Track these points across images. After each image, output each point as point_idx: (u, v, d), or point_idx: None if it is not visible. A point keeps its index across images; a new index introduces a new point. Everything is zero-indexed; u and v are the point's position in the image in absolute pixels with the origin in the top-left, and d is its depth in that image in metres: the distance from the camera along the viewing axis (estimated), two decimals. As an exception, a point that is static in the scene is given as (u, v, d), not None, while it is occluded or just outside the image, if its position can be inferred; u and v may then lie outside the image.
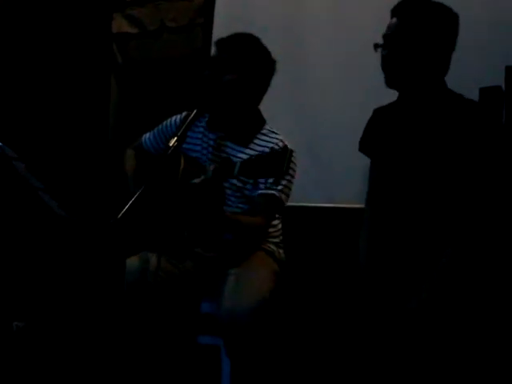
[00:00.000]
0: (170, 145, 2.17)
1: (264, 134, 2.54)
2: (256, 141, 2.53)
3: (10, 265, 2.70)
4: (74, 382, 2.59)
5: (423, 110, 2.24)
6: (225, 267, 2.50)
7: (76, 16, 4.06)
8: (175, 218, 2.42)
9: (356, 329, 2.18)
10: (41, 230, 2.66)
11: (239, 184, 2.45)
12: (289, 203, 2.57)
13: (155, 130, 2.74)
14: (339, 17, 3.21)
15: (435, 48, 2.19)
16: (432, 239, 2.16)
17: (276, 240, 2.65)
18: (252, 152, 2.48)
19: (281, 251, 2.67)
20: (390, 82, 2.25)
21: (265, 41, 2.57)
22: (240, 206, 2.51)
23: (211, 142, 2.59)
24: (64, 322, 2.69)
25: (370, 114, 2.43)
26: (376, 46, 2.24)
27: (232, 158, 2.38)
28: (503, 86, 2.53)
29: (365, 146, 2.42)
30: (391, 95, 2.32)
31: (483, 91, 2.55)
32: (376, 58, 2.26)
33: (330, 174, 3.20)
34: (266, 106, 2.61)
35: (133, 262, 2.44)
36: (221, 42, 2.55)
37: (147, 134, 2.76)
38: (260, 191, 2.45)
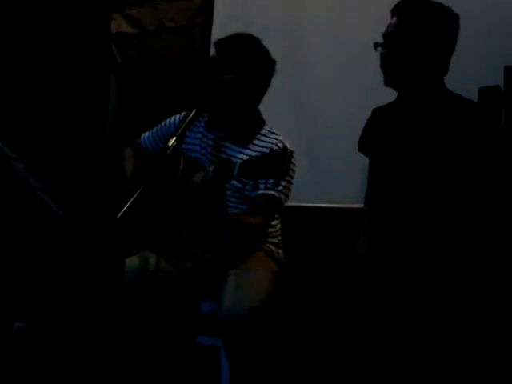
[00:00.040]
0: (169, 145, 2.18)
1: (263, 135, 2.54)
2: (255, 141, 2.52)
3: (9, 265, 2.70)
4: (73, 382, 2.59)
5: (422, 110, 2.24)
6: (224, 267, 2.49)
7: (75, 16, 4.06)
8: (175, 218, 2.42)
9: (355, 329, 2.17)
10: (40, 230, 2.66)
11: (239, 185, 2.44)
12: (288, 203, 2.57)
13: (154, 129, 2.74)
14: (339, 17, 3.21)
15: (435, 48, 2.19)
16: (431, 238, 2.16)
17: (275, 240, 2.65)
18: (251, 152, 2.48)
19: (280, 251, 2.66)
20: (388, 81, 2.25)
21: (264, 41, 2.57)
22: (239, 206, 2.51)
23: (210, 142, 2.58)
24: (64, 322, 2.68)
25: (369, 114, 2.43)
26: (376, 44, 2.24)
27: (231, 158, 2.38)
28: (502, 86, 2.53)
29: (364, 145, 2.43)
30: (391, 95, 2.32)
31: (482, 91, 2.54)
32: (376, 58, 2.26)
33: (329, 174, 3.20)
34: (265, 106, 2.60)
35: (132, 261, 2.43)
36: (220, 42, 2.55)
37: (146, 134, 2.76)
38: (259, 191, 2.45)
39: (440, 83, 2.25)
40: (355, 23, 3.13)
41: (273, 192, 2.44)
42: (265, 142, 2.51)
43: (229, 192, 2.49)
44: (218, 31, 3.42)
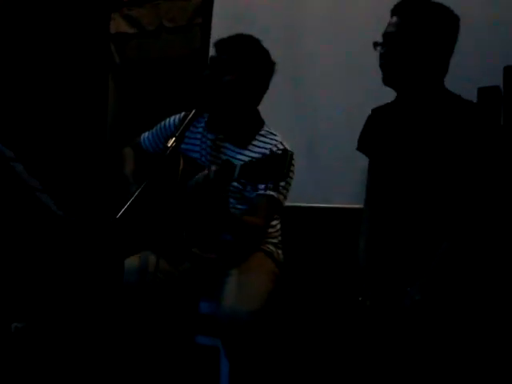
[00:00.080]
0: (169, 145, 2.17)
1: (263, 136, 2.53)
2: (255, 142, 2.52)
3: (8, 265, 2.70)
4: (73, 382, 2.59)
5: (421, 110, 2.24)
6: (224, 268, 2.49)
7: (74, 16, 4.06)
8: (174, 218, 2.42)
9: (355, 329, 2.17)
10: (39, 230, 2.66)
11: (239, 186, 2.44)
12: (288, 203, 2.57)
13: (154, 129, 2.74)
14: (339, 17, 3.21)
15: (434, 48, 2.19)
16: (431, 238, 2.16)
17: (275, 241, 2.65)
18: (251, 153, 2.48)
19: (279, 252, 2.66)
20: (387, 80, 2.25)
21: (264, 41, 2.57)
22: (239, 207, 2.51)
23: (209, 143, 2.58)
24: (63, 322, 2.68)
25: (369, 114, 2.43)
26: (375, 44, 2.24)
27: (230, 159, 2.38)
28: (502, 87, 2.53)
29: (363, 145, 2.42)
30: (391, 96, 2.32)
31: (481, 91, 2.54)
32: (376, 57, 2.26)
33: (329, 174, 3.20)
34: (265, 106, 2.60)
35: (131, 262, 2.43)
36: (220, 43, 2.55)
37: (146, 134, 2.76)
38: (259, 192, 2.45)
39: (439, 83, 2.25)
40: (355, 23, 3.12)
41: (272, 193, 2.44)
42: (264, 143, 2.51)
43: (229, 193, 2.48)
44: (218, 31, 3.41)
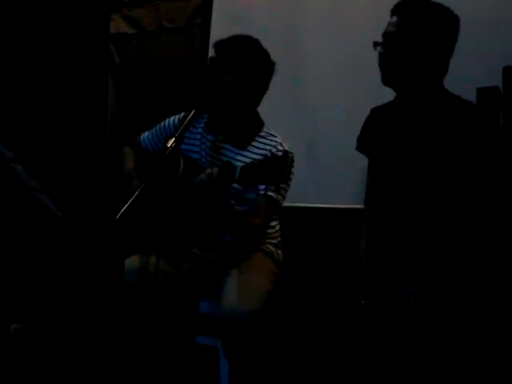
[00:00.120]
0: (168, 145, 2.17)
1: (262, 137, 2.53)
2: (254, 143, 2.52)
3: (8, 266, 2.70)
4: (73, 382, 2.59)
5: (420, 110, 2.24)
6: (224, 268, 2.49)
7: (74, 16, 4.06)
8: (174, 218, 2.42)
9: (356, 329, 2.18)
10: (39, 231, 2.66)
11: (239, 187, 2.45)
12: (288, 204, 2.57)
13: (153, 129, 2.74)
14: (339, 17, 3.21)
15: (434, 49, 2.18)
16: (430, 237, 2.16)
17: (274, 241, 2.65)
18: (250, 155, 2.48)
19: (279, 252, 2.66)
20: (386, 80, 2.25)
21: (264, 41, 2.57)
22: (239, 208, 2.51)
23: (209, 144, 2.58)
24: (63, 323, 2.68)
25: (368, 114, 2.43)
26: (375, 44, 2.24)
27: (230, 160, 2.38)
28: (501, 87, 2.53)
29: (362, 145, 2.42)
30: (391, 96, 2.32)
31: (481, 92, 2.54)
32: (376, 57, 2.26)
33: (328, 174, 3.20)
34: (265, 106, 2.60)
35: (131, 262, 2.43)
36: (220, 44, 2.55)
37: (145, 133, 2.76)
38: (259, 192, 2.45)
39: (439, 84, 2.24)
40: (355, 23, 3.12)
41: (272, 193, 2.44)
42: (264, 144, 2.51)
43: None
44: (217, 32, 3.41)
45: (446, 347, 2.07)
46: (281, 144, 2.50)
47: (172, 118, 2.69)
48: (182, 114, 2.62)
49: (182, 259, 2.54)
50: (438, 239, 2.14)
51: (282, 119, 3.08)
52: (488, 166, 2.15)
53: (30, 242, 2.69)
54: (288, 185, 2.48)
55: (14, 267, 2.70)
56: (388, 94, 2.31)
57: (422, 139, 2.21)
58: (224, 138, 2.56)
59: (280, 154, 2.37)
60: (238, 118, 2.53)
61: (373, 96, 2.41)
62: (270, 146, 2.49)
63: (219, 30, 3.39)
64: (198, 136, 2.61)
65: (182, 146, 2.37)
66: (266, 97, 2.59)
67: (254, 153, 2.49)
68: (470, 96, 2.41)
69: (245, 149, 2.51)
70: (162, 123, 2.71)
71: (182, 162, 2.41)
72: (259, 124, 2.57)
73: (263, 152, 2.47)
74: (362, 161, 2.44)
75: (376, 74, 2.26)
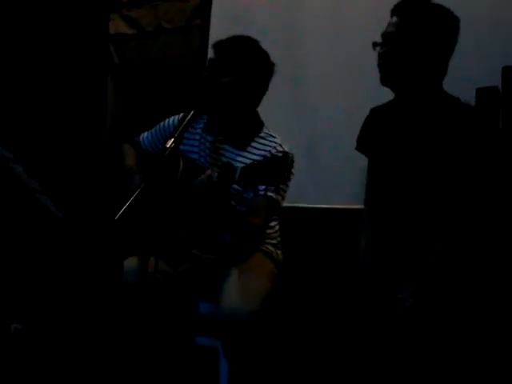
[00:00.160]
0: (167, 146, 2.17)
1: (262, 138, 2.53)
2: (254, 144, 2.52)
3: (7, 267, 2.70)
4: (73, 383, 2.59)
5: (418, 111, 2.24)
6: (223, 268, 2.49)
7: (73, 17, 4.06)
8: (173, 219, 2.42)
9: (356, 329, 2.18)
10: (39, 231, 2.66)
11: (239, 188, 2.45)
12: (287, 204, 2.57)
13: (153, 130, 2.74)
14: (339, 17, 3.20)
15: (433, 50, 2.18)
16: (430, 237, 2.16)
17: (274, 241, 2.65)
18: (250, 155, 2.48)
19: (279, 252, 2.66)
20: (385, 80, 2.25)
21: (264, 41, 2.57)
22: (238, 208, 2.50)
23: (208, 145, 2.58)
24: (62, 323, 2.68)
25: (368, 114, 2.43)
26: (374, 44, 2.24)
27: (230, 161, 2.38)
28: (500, 87, 2.53)
29: (362, 144, 2.42)
30: (391, 96, 2.32)
31: (480, 92, 2.54)
32: (376, 57, 2.26)
33: (329, 174, 3.19)
34: (265, 106, 2.60)
35: (131, 263, 2.43)
36: (219, 45, 2.55)
37: (145, 134, 2.76)
38: (258, 193, 2.45)
39: (437, 85, 2.24)
40: (355, 23, 3.12)
41: (271, 194, 2.44)
42: (263, 145, 2.51)
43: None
44: (216, 32, 3.41)
45: (443, 347, 2.07)
46: (280, 145, 2.50)
47: (171, 119, 2.69)
48: (181, 114, 2.62)
49: (182, 260, 2.54)
50: (437, 239, 2.14)
51: (281, 119, 3.08)
52: (484, 166, 2.15)
53: (30, 242, 2.69)
54: (287, 185, 2.48)
55: (14, 268, 2.70)
56: (388, 94, 2.31)
57: (419, 140, 2.21)
58: (223, 138, 2.56)
59: (280, 154, 2.37)
60: (238, 118, 2.53)
61: (373, 96, 2.41)
62: (270, 146, 2.49)
63: (218, 31, 3.39)
64: (197, 137, 2.61)
65: (182, 147, 2.37)
66: (265, 97, 2.59)
67: (254, 154, 2.49)
68: (470, 96, 2.41)
69: (244, 150, 2.51)
70: (162, 123, 2.71)
71: (181, 163, 2.41)
72: (259, 125, 2.57)
73: (263, 153, 2.47)
74: (362, 161, 2.44)
75: (376, 74, 2.26)
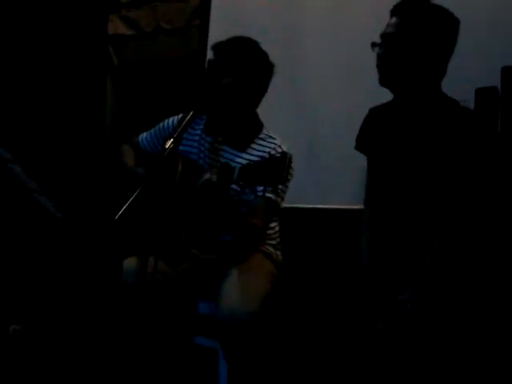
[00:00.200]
0: (166, 147, 2.17)
1: (261, 139, 2.53)
2: (253, 145, 2.52)
3: (6, 267, 2.70)
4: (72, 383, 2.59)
5: (416, 112, 2.23)
6: (223, 269, 2.49)
7: (72, 17, 4.06)
8: (173, 219, 2.42)
9: (356, 330, 2.17)
10: (38, 232, 2.65)
11: (238, 189, 2.44)
12: (287, 204, 2.57)
13: (152, 130, 2.74)
14: (339, 17, 3.21)
15: (433, 51, 2.17)
16: (430, 237, 2.16)
17: (274, 242, 2.64)
18: (249, 157, 2.48)
19: (278, 253, 2.66)
20: (383, 81, 2.24)
21: (263, 42, 2.56)
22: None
23: (208, 146, 2.58)
24: (61, 324, 2.68)
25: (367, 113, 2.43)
26: (374, 44, 2.24)
27: (229, 162, 2.38)
28: (499, 87, 2.53)
29: (361, 144, 2.42)
30: (391, 96, 2.32)
31: (479, 92, 2.54)
32: (376, 58, 2.25)
33: (328, 175, 3.19)
34: (265, 107, 2.60)
35: (130, 263, 2.43)
36: (219, 46, 2.54)
37: (144, 134, 2.76)
38: (257, 193, 2.45)
39: (436, 87, 2.23)
40: (355, 23, 3.12)
41: (270, 195, 2.44)
42: (263, 146, 2.51)
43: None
44: (215, 33, 3.41)
45: (443, 348, 2.07)
46: (280, 146, 2.50)
47: (171, 119, 2.69)
48: (181, 115, 2.62)
49: (181, 260, 2.54)
50: (434, 240, 2.14)
51: (281, 119, 3.08)
52: (482, 166, 2.14)
53: (29, 243, 2.69)
54: (286, 186, 2.48)
55: (13, 268, 2.69)
56: (387, 95, 2.30)
57: (417, 140, 2.21)
58: (223, 139, 2.56)
59: (278, 155, 2.37)
60: (237, 119, 2.53)
61: (372, 96, 2.41)
62: (269, 148, 2.49)
63: (218, 31, 3.40)
64: (197, 138, 2.60)
65: (181, 147, 2.37)
66: (265, 97, 2.58)
67: (253, 155, 2.49)
68: (469, 96, 2.41)
69: (244, 151, 2.51)
70: (161, 124, 2.71)
71: (180, 163, 2.41)
72: (258, 126, 2.57)
73: (262, 154, 2.47)
74: (362, 161, 2.43)
75: (375, 74, 2.26)
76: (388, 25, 2.23)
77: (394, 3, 2.24)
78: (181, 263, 2.54)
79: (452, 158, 2.13)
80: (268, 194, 2.43)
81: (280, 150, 2.47)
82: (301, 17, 3.31)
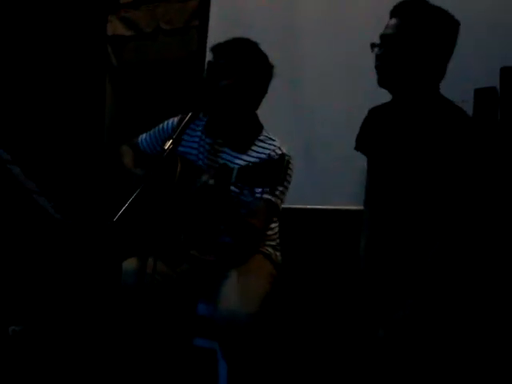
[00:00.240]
0: (166, 147, 2.17)
1: (261, 141, 2.52)
2: (253, 147, 2.51)
3: (6, 268, 2.70)
4: (71, 384, 2.59)
5: (414, 114, 2.23)
6: (222, 270, 2.49)
7: (72, 18, 4.06)
8: (172, 220, 2.41)
9: (356, 331, 2.17)
10: (37, 233, 2.65)
11: (236, 190, 2.44)
12: (286, 205, 2.56)
13: (151, 131, 2.74)
14: (338, 18, 3.21)
15: (432, 53, 2.17)
16: (430, 237, 2.16)
17: (273, 243, 2.64)
18: (249, 158, 2.47)
19: (278, 254, 2.66)
20: (382, 82, 2.24)
21: (262, 42, 2.56)
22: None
23: (207, 147, 2.58)
24: (61, 325, 2.68)
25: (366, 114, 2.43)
26: (373, 45, 2.23)
27: (228, 163, 2.37)
28: (498, 87, 2.53)
29: (361, 144, 2.42)
30: (390, 97, 2.32)
31: (478, 92, 2.54)
32: (374, 59, 2.25)
33: (328, 175, 3.19)
34: (264, 108, 2.60)
35: (129, 264, 2.43)
36: (218, 47, 2.54)
37: (143, 135, 2.76)
38: (256, 195, 2.45)
39: (434, 88, 2.23)
40: (354, 24, 3.12)
41: (269, 196, 2.44)
42: (263, 148, 2.50)
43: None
44: (215, 33, 3.41)
45: (443, 348, 2.07)
46: (279, 148, 2.49)
47: (170, 120, 2.69)
48: (180, 116, 2.61)
49: (180, 261, 2.54)
50: (434, 238, 2.14)
51: (280, 120, 3.08)
52: (481, 166, 2.14)
53: (28, 244, 2.69)
54: (286, 187, 2.48)
55: (12, 269, 2.69)
56: (387, 95, 2.30)
57: (416, 141, 2.20)
58: (223, 141, 2.55)
59: (277, 157, 2.37)
60: (237, 121, 2.53)
61: (372, 97, 2.40)
62: (269, 149, 2.48)
63: (217, 32, 3.40)
64: (197, 139, 2.60)
65: (180, 149, 2.37)
66: (264, 98, 2.58)
67: (253, 157, 2.48)
68: (468, 96, 2.41)
69: (244, 153, 2.50)
70: (160, 125, 2.71)
71: (179, 165, 2.40)
72: (258, 128, 2.56)
73: (262, 156, 2.47)
74: (361, 161, 2.43)
75: (375, 75, 2.26)
76: (387, 26, 2.23)
77: (394, 4, 2.24)
78: (180, 264, 2.53)
79: (451, 159, 2.13)
80: (267, 196, 2.43)
81: (279, 152, 2.46)
82: (300, 18, 3.31)
